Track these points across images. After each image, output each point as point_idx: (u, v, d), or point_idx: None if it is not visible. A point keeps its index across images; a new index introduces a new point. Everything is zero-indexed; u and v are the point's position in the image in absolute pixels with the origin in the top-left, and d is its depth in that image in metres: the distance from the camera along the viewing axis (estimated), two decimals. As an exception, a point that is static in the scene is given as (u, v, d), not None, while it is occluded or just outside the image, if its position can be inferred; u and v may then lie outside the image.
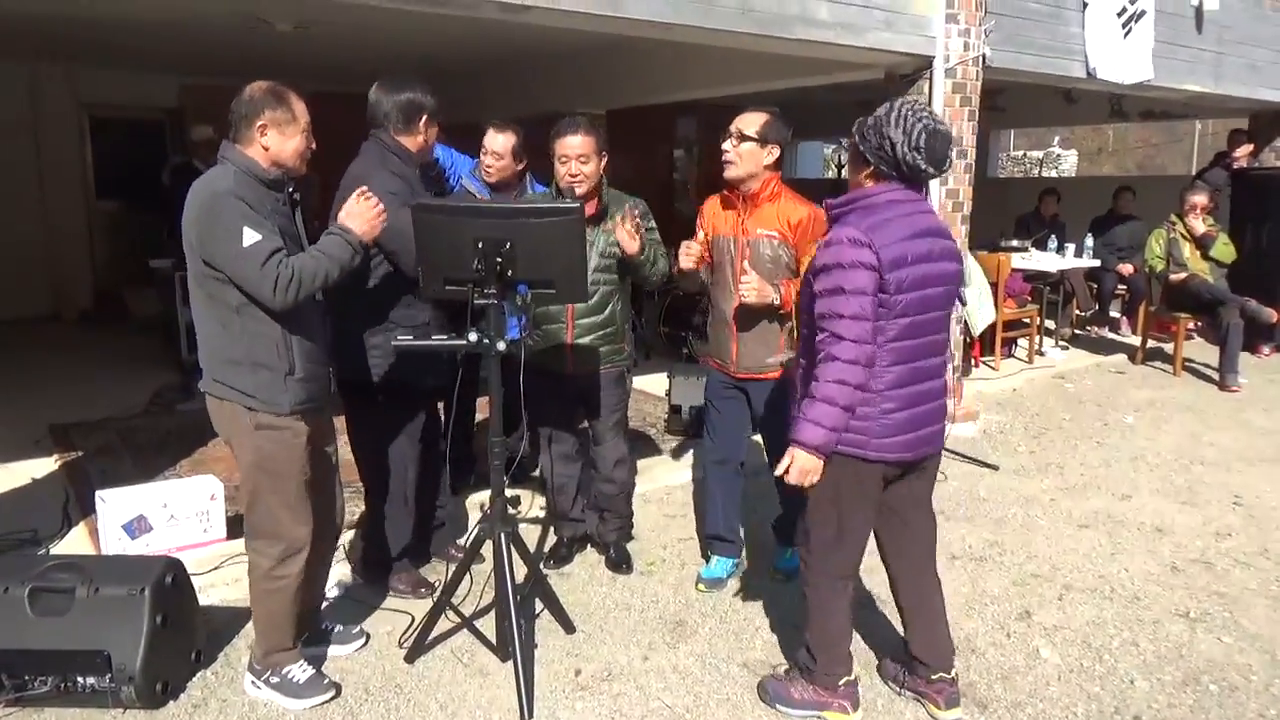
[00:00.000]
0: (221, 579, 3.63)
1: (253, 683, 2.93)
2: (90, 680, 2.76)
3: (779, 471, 2.62)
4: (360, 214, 2.78)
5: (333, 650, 3.17)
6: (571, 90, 8.18)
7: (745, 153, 3.33)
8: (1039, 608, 3.57)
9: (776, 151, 3.37)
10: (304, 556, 2.83)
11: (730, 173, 3.38)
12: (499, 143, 4.16)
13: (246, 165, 2.66)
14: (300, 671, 2.91)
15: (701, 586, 3.70)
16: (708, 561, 3.82)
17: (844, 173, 3.10)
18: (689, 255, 3.41)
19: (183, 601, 3.02)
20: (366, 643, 3.24)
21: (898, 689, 2.98)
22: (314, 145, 2.81)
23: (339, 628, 3.25)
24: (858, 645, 3.13)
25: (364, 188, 2.86)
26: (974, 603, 3.61)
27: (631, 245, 3.43)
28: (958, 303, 6.28)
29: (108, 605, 2.81)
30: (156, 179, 8.37)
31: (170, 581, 2.94)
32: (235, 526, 3.96)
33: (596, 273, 3.50)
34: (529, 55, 7.95)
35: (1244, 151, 9.00)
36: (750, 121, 3.35)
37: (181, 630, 2.98)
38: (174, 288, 7.03)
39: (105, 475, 4.52)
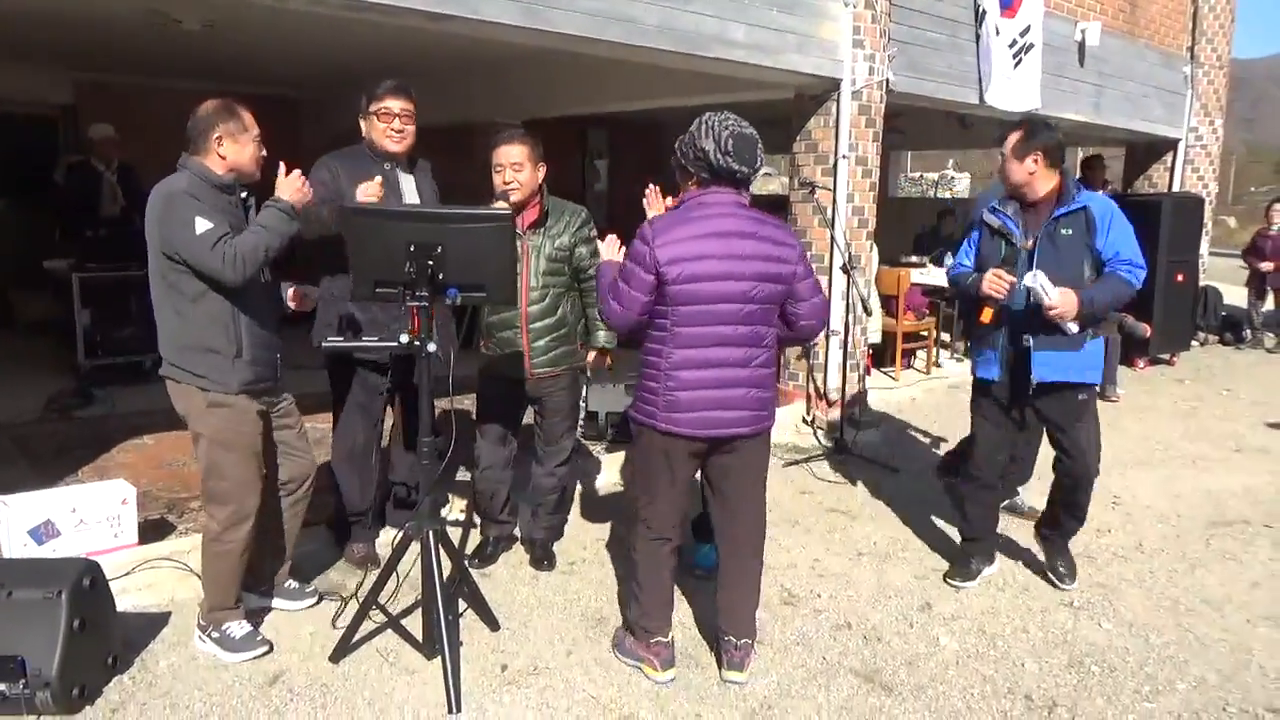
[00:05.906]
0: (134, 584, 3.55)
1: (199, 638, 3.21)
2: (3, 686, 2.70)
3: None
4: (289, 184, 3.07)
5: (280, 603, 3.49)
6: (488, 100, 8.23)
7: None
8: (939, 599, 3.79)
9: None
10: (250, 524, 3.14)
11: None
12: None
13: (200, 170, 2.98)
14: (238, 628, 3.19)
15: None
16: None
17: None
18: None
19: (100, 605, 2.98)
20: (318, 603, 3.53)
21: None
22: (265, 152, 3.09)
23: (292, 584, 3.54)
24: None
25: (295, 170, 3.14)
26: (880, 595, 3.81)
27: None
28: (863, 312, 6.36)
29: (22, 609, 2.76)
30: (49, 178, 8.06)
31: (88, 584, 2.90)
32: (147, 532, 3.90)
33: (545, 276, 3.62)
34: (445, 64, 7.94)
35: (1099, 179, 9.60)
36: None
37: (98, 634, 2.93)
38: (70, 289, 6.78)
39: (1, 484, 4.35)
